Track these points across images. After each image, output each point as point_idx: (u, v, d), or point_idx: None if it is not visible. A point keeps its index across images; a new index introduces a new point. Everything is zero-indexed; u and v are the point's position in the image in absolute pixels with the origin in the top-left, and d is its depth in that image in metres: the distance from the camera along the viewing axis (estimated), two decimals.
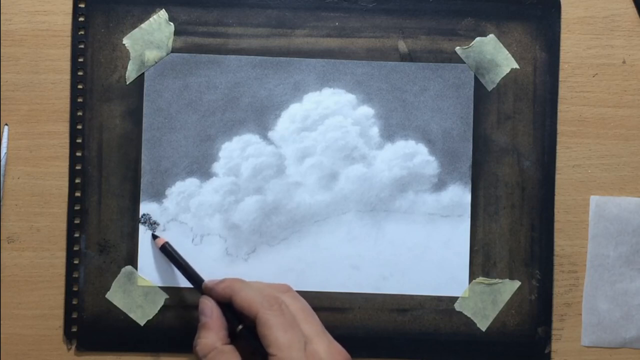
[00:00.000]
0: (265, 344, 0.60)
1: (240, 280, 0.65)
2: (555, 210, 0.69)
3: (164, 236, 0.68)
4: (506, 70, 0.70)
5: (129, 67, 0.69)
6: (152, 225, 0.68)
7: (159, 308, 0.68)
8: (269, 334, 0.60)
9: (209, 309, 0.63)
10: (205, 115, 0.69)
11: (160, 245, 0.67)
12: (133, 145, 0.69)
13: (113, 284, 0.68)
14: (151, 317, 0.69)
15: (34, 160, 0.69)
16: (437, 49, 0.70)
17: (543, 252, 0.69)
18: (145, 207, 0.69)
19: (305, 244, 0.69)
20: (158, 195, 0.69)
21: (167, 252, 0.67)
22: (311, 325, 0.62)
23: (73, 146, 0.69)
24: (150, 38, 0.69)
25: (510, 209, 0.69)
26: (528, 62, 0.70)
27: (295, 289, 0.68)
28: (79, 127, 0.69)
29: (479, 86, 0.70)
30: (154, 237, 0.68)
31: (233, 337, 0.63)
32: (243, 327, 0.62)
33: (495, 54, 0.69)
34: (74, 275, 0.68)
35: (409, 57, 0.70)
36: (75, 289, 0.68)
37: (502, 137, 0.69)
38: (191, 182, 0.69)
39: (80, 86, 0.69)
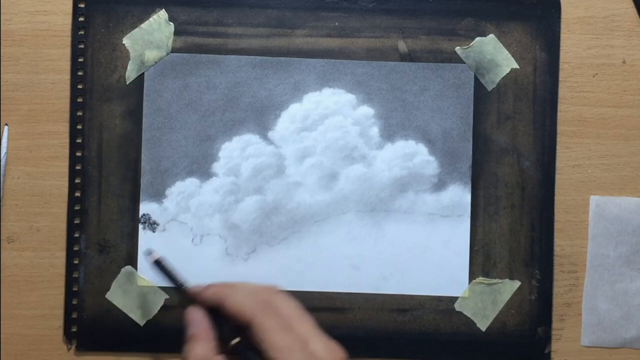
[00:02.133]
0: (264, 349, 0.58)
1: (229, 285, 0.62)
2: (555, 210, 0.69)
3: (164, 236, 0.68)
4: (506, 70, 0.70)
5: (129, 67, 0.69)
6: (152, 225, 0.68)
7: (158, 308, 0.68)
8: (267, 338, 0.58)
9: (199, 320, 0.61)
10: (205, 115, 0.69)
11: (153, 261, 0.63)
12: (133, 145, 0.69)
13: (113, 284, 0.68)
14: (151, 317, 0.69)
15: (34, 160, 0.69)
16: (437, 49, 0.70)
17: (543, 252, 0.69)
18: (145, 207, 0.69)
19: (305, 244, 0.69)
20: (158, 195, 0.69)
21: (161, 268, 0.63)
22: (305, 325, 0.61)
23: (73, 146, 0.69)
24: (150, 38, 0.69)
25: (510, 209, 0.69)
26: (528, 62, 0.70)
27: (295, 289, 0.68)
28: (79, 127, 0.69)
29: (479, 86, 0.70)
30: (149, 252, 0.64)
31: (225, 351, 0.61)
32: (240, 340, 0.59)
33: (495, 54, 0.69)
34: (74, 275, 0.68)
35: (409, 57, 0.70)
36: (75, 289, 0.68)
37: (502, 137, 0.69)
38: (191, 182, 0.69)
39: (80, 86, 0.69)
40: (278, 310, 0.60)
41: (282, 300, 0.62)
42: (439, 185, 0.69)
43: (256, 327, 0.58)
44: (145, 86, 0.69)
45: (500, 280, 0.69)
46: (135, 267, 0.68)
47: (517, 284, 0.69)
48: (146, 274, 0.68)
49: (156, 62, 0.69)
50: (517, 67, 0.70)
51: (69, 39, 0.69)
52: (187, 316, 0.61)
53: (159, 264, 0.63)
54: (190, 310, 0.61)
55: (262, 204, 0.69)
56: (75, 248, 0.68)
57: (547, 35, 0.70)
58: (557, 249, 0.70)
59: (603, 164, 0.70)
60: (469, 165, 0.69)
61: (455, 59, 0.70)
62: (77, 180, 0.69)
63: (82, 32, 0.69)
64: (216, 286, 0.62)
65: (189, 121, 0.69)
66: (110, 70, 0.69)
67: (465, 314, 0.69)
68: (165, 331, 0.68)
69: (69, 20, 0.69)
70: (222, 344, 0.61)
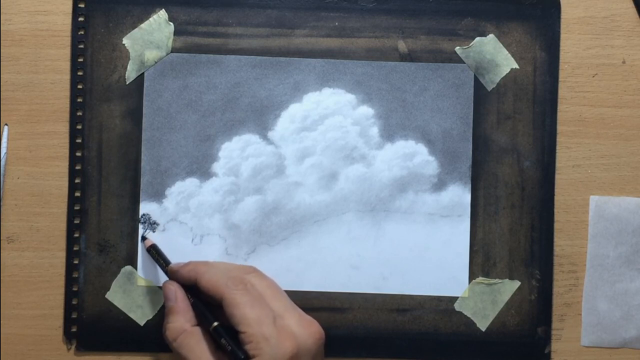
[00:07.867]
0: (235, 323, 0.60)
1: (205, 263, 0.65)
2: (555, 210, 0.69)
3: (164, 236, 0.68)
4: (506, 70, 0.70)
5: (128, 67, 0.69)
6: (152, 225, 0.68)
7: (158, 308, 0.68)
8: (236, 313, 0.60)
9: (173, 293, 0.64)
10: (205, 115, 0.69)
11: (147, 247, 0.68)
12: (133, 145, 0.69)
13: (113, 284, 0.68)
14: (151, 317, 0.69)
15: (34, 160, 0.69)
16: (437, 49, 0.70)
17: (543, 252, 0.69)
18: (145, 207, 0.69)
19: (305, 244, 0.69)
20: (158, 195, 0.69)
21: (153, 255, 0.67)
22: (280, 301, 0.62)
23: (73, 146, 0.69)
24: (150, 38, 0.69)
25: (510, 209, 0.69)
26: (528, 62, 0.70)
27: (295, 289, 0.68)
28: (79, 127, 0.69)
29: (479, 86, 0.70)
30: (143, 238, 0.68)
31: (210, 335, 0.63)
32: (218, 325, 0.62)
33: (495, 54, 0.69)
34: (73, 275, 0.68)
35: (409, 57, 0.70)
36: (75, 289, 0.68)
37: (502, 137, 0.69)
38: (191, 182, 0.69)
39: (80, 86, 0.69)
40: (251, 286, 0.62)
41: (257, 278, 0.64)
42: (439, 185, 0.69)
43: (227, 302, 0.60)
44: (145, 86, 0.69)
45: (500, 280, 0.69)
46: (135, 267, 0.68)
47: (517, 284, 0.69)
48: (146, 274, 0.69)
49: (156, 62, 0.69)
50: (517, 67, 0.70)
51: (69, 39, 0.69)
52: (163, 290, 0.65)
53: (150, 251, 0.67)
54: (166, 284, 0.65)
55: (262, 204, 0.69)
56: (75, 248, 0.68)
57: (547, 35, 0.70)
58: (557, 249, 0.70)
59: (603, 164, 0.70)
60: (468, 165, 0.69)
61: (455, 59, 0.70)
62: (77, 180, 0.69)
63: (82, 32, 0.69)
64: (193, 264, 0.65)
65: (189, 121, 0.69)
66: (110, 70, 0.69)
67: (465, 314, 0.69)
68: None
69: (69, 20, 0.69)
70: (203, 326, 0.63)
